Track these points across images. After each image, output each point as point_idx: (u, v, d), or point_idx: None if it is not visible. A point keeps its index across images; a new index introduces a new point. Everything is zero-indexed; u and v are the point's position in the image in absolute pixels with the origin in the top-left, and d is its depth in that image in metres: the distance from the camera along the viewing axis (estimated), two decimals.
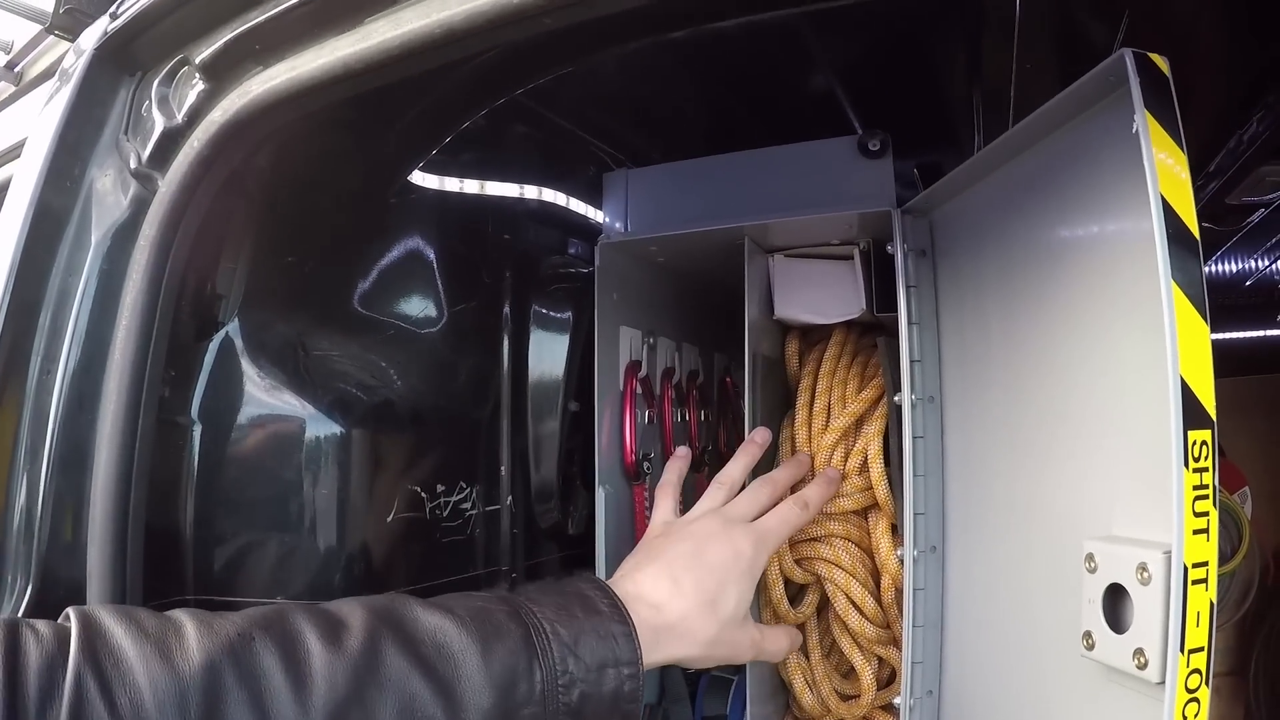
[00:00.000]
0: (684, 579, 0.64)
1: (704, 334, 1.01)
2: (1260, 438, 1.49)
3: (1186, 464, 0.50)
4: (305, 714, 0.45)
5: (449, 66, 0.62)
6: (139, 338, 0.69)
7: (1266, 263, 1.55)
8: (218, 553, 0.72)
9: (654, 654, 0.60)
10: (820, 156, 0.83)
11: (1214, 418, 0.52)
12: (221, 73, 0.69)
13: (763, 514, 0.72)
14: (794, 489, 0.77)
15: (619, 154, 0.93)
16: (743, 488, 0.75)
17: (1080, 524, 0.59)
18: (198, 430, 0.73)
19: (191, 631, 0.46)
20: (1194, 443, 0.51)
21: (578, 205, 0.95)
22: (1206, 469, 0.51)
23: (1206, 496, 0.51)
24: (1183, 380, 0.51)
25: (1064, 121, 0.62)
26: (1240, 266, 1.58)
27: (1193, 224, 0.53)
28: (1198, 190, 1.17)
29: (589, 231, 0.86)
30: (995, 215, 0.70)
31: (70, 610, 0.46)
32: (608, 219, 0.88)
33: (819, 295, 0.83)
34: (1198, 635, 0.52)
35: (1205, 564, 0.51)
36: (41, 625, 0.44)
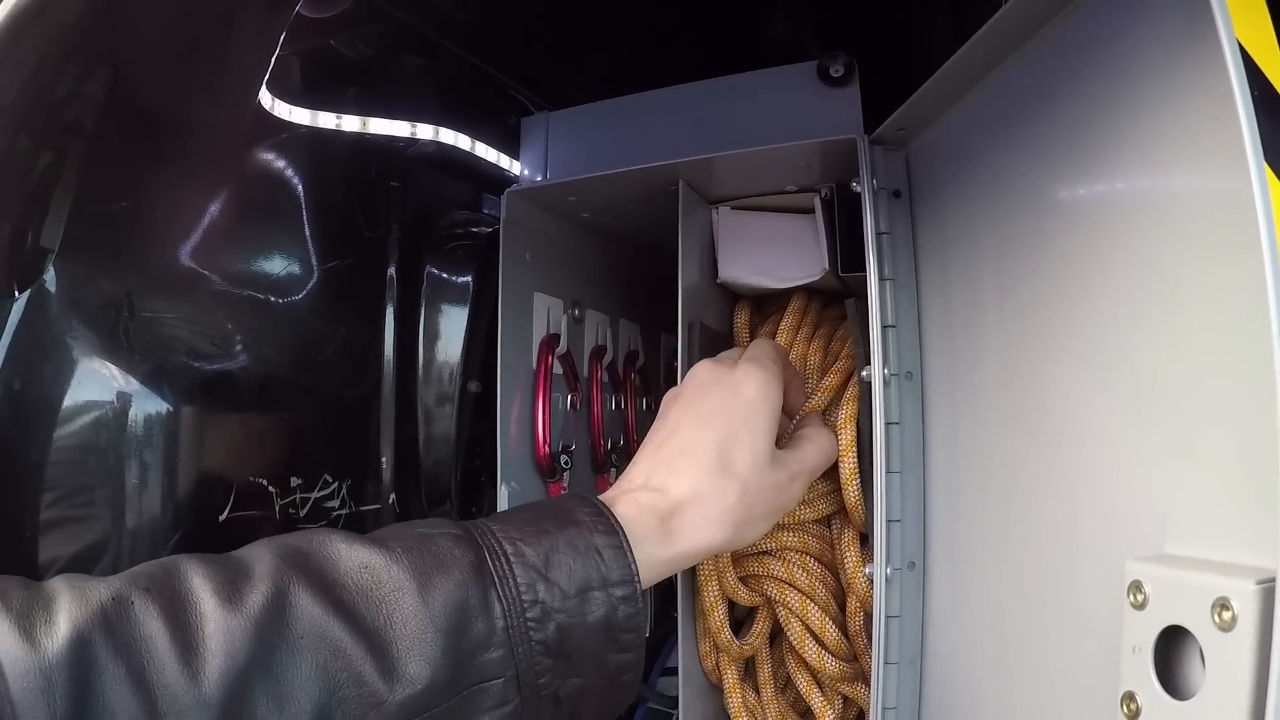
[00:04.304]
0: (681, 449, 0.49)
1: (647, 310, 0.82)
2: None
3: None
4: (198, 686, 0.35)
5: None
6: None
7: None
8: (15, 549, 0.55)
9: (671, 546, 0.45)
10: (774, 87, 0.64)
11: None
12: None
13: None
14: None
15: (545, 101, 0.74)
16: None
17: (1119, 540, 0.39)
18: None
19: (62, 602, 0.36)
20: None
21: (489, 154, 0.76)
22: None
23: None
24: None
25: None
26: None
27: None
28: None
29: (504, 184, 0.67)
30: (991, 140, 0.51)
31: None
32: (526, 170, 0.70)
33: (772, 254, 0.64)
34: None
35: None
36: None
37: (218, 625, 0.35)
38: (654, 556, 0.44)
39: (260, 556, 0.39)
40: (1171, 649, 0.35)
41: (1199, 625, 0.33)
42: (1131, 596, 0.36)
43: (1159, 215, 0.38)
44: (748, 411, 0.50)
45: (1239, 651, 0.31)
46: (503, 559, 0.40)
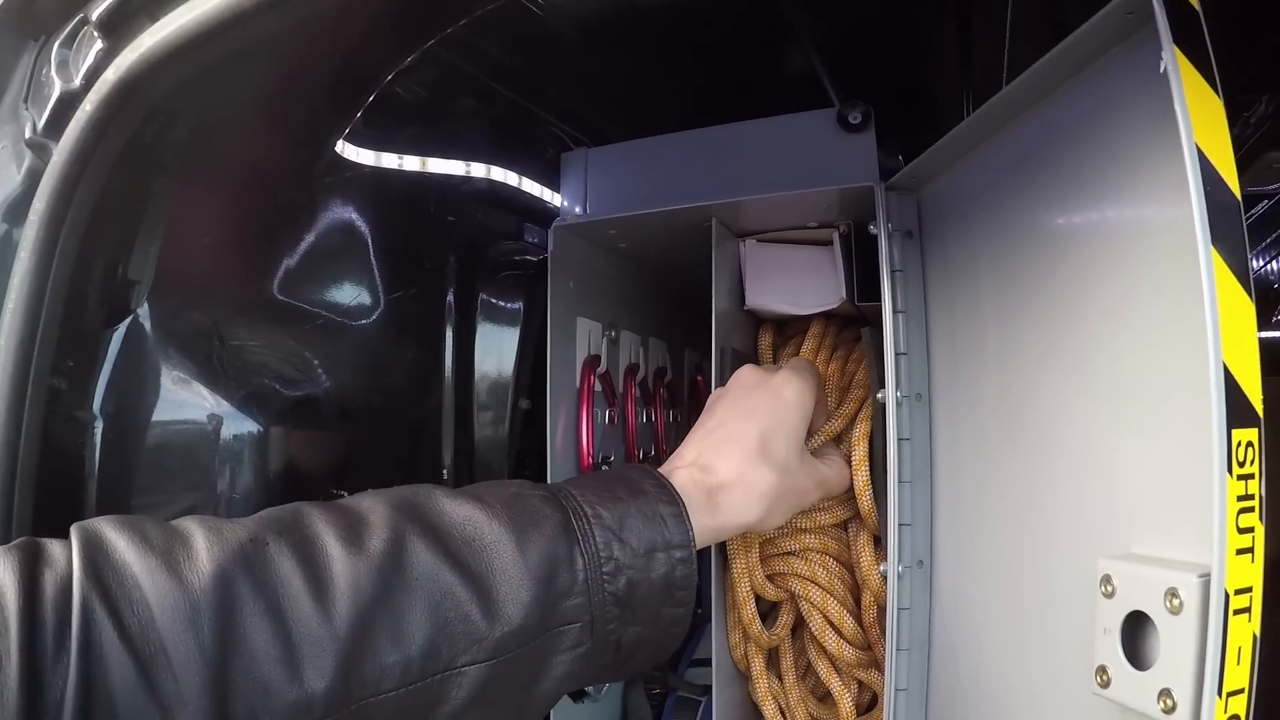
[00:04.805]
0: (728, 437, 0.56)
1: (673, 329, 0.91)
2: None
3: (1230, 469, 0.40)
4: (329, 621, 0.40)
5: (349, 12, 0.53)
6: (26, 321, 0.60)
7: (1262, 262, 1.46)
8: None
9: (715, 518, 0.53)
10: (796, 131, 0.73)
11: (1260, 415, 0.41)
12: (117, 28, 0.61)
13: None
14: None
15: (580, 135, 0.83)
16: None
17: (1093, 540, 0.49)
18: (99, 427, 0.63)
19: (200, 540, 0.40)
20: (1238, 444, 0.41)
21: (533, 187, 0.85)
22: (1252, 475, 0.41)
23: (1252, 509, 0.41)
24: (1226, 368, 0.40)
25: (1071, 74, 0.51)
26: None
27: (1234, 182, 0.43)
28: None
29: (545, 216, 0.76)
30: (992, 191, 0.60)
31: (74, 526, 0.41)
32: (565, 202, 0.78)
33: (795, 283, 0.73)
34: (1238, 675, 0.41)
35: (1249, 590, 0.41)
36: (56, 548, 0.39)
37: (344, 566, 0.40)
38: (703, 525, 0.51)
39: (374, 507, 0.44)
40: (1135, 630, 0.44)
41: (1155, 610, 0.43)
42: (1103, 588, 0.46)
43: (1131, 268, 0.47)
44: (785, 410, 0.58)
45: (1185, 630, 0.41)
46: (585, 520, 0.47)
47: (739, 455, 0.55)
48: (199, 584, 0.38)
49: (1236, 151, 0.98)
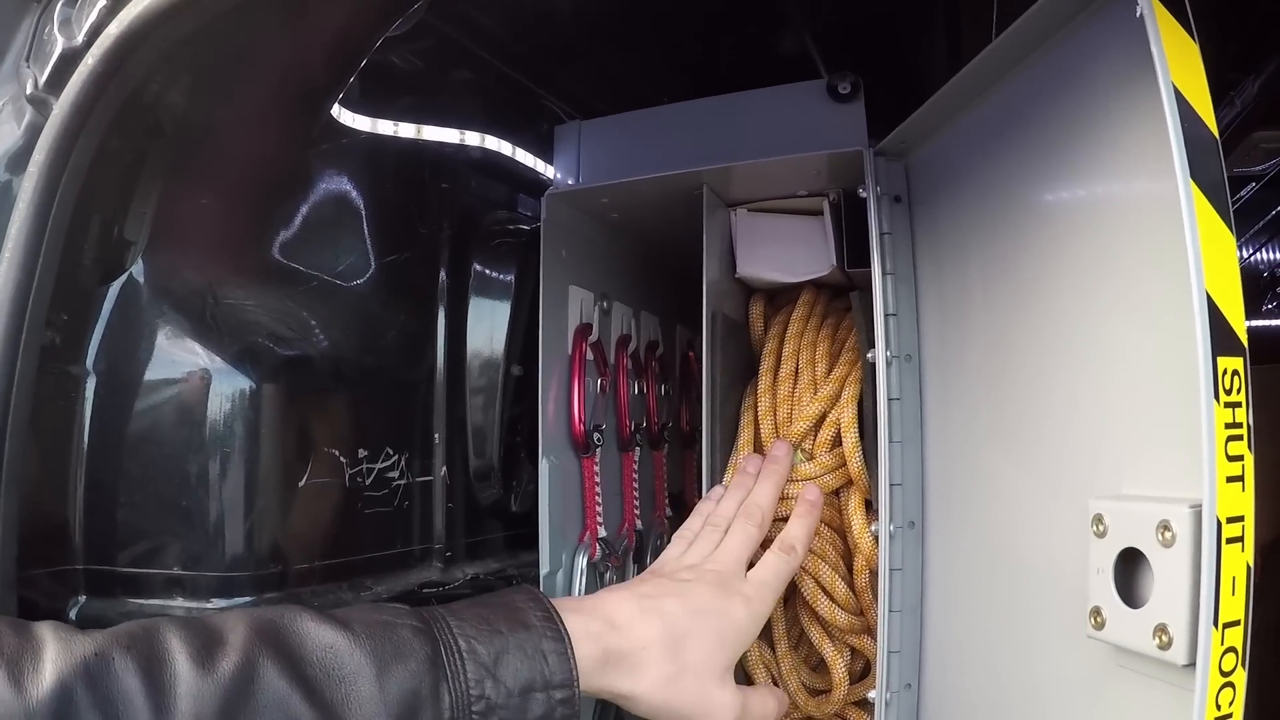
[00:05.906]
0: (653, 611, 0.53)
1: (665, 303, 0.91)
2: None
3: (1217, 396, 0.40)
4: None
5: None
6: (21, 273, 0.59)
7: (1251, 250, 1.47)
8: (110, 516, 0.62)
9: (597, 679, 0.50)
10: (786, 102, 0.73)
11: (1245, 344, 0.41)
12: None
13: (754, 556, 0.62)
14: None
15: (574, 110, 0.83)
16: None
17: (1084, 485, 0.48)
18: (92, 382, 0.63)
19: (49, 651, 0.40)
20: (1224, 372, 0.40)
21: (526, 159, 0.85)
22: (1240, 404, 0.41)
23: (1241, 437, 0.41)
24: (1209, 297, 0.40)
25: (1049, 34, 0.52)
26: None
27: (1210, 120, 0.43)
28: None
29: (539, 187, 0.76)
30: (977, 155, 0.60)
31: None
32: (559, 174, 0.78)
33: (785, 252, 0.73)
34: (1233, 606, 0.41)
35: (1241, 519, 0.41)
36: None
37: (189, 688, 0.40)
38: (589, 684, 0.49)
39: (235, 626, 0.43)
40: (1128, 569, 0.44)
41: (1148, 545, 0.42)
42: (1094, 527, 0.46)
43: (1113, 217, 0.47)
44: (728, 629, 0.55)
45: (1179, 562, 0.41)
46: (457, 655, 0.45)
47: (652, 633, 0.52)
48: (38, 695, 0.38)
49: (1224, 133, 0.99)
